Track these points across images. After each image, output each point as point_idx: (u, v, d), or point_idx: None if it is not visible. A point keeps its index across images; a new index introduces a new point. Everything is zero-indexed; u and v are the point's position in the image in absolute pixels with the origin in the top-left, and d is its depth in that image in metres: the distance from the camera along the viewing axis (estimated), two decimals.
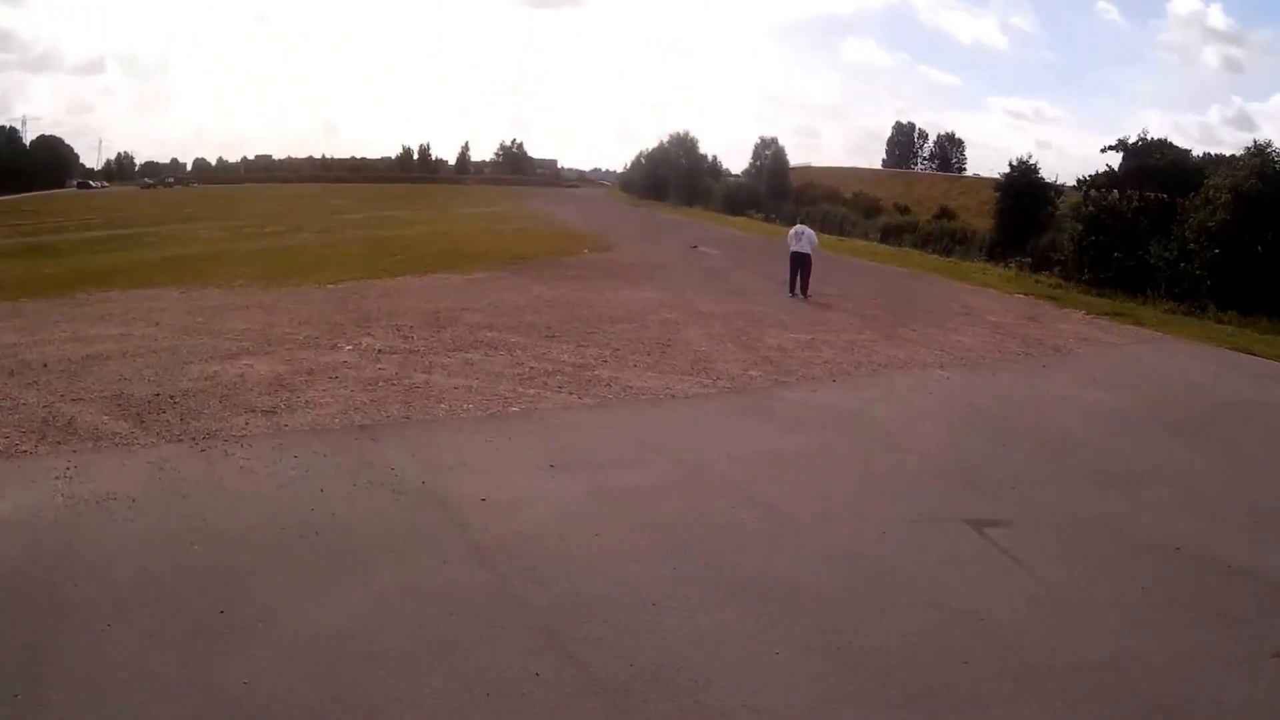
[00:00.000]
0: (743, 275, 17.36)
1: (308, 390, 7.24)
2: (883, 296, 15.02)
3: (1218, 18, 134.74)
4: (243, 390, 7.19)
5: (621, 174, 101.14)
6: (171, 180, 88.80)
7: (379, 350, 8.77)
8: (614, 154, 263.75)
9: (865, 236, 38.33)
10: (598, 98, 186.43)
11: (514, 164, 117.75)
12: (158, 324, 9.93)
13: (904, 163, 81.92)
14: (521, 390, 7.53)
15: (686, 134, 65.22)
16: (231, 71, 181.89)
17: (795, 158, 66.86)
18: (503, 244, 22.14)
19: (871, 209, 44.89)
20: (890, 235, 37.75)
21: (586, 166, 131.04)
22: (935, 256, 27.64)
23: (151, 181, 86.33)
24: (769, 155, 63.68)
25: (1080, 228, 20.33)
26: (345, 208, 42.49)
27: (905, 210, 42.91)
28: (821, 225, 45.52)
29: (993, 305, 15.28)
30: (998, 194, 28.65)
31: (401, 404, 6.98)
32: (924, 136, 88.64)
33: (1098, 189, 20.21)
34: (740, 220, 43.30)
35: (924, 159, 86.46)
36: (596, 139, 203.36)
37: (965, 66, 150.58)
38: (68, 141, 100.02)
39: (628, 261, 18.90)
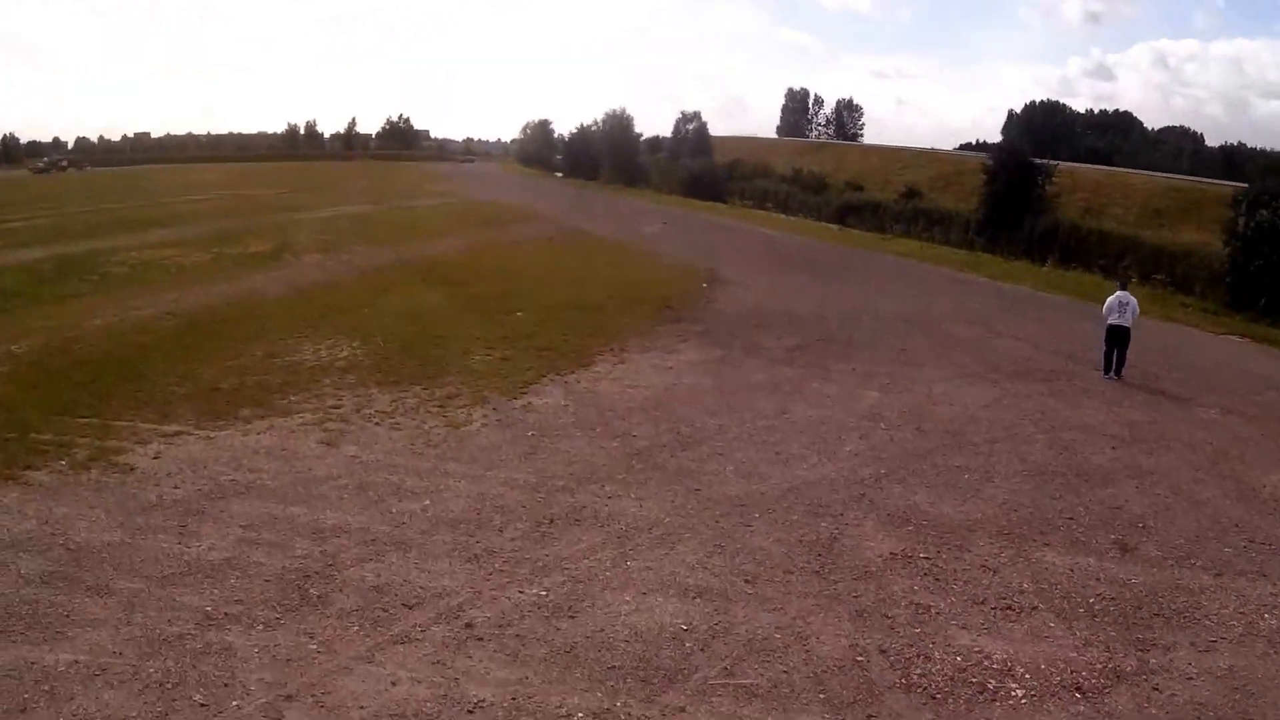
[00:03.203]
0: (971, 331, 14.61)
1: None
2: (1155, 357, 12.98)
3: None
4: None
5: (514, 144, 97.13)
6: (65, 163, 78.92)
7: None
8: (484, 124, 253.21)
9: (818, 217, 36.32)
10: (464, 66, 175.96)
11: (401, 138, 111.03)
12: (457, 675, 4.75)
13: (799, 131, 78.69)
14: None
15: (622, 112, 61.18)
16: (101, 47, 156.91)
17: (668, 128, 64.04)
18: (592, 275, 19.38)
19: (819, 186, 41.51)
20: (849, 215, 35.37)
21: (458, 136, 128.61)
22: (1022, 263, 24.42)
23: (44, 164, 75.33)
24: (690, 130, 60.36)
25: (1238, 245, 18.37)
26: (286, 201, 36.82)
27: (858, 187, 40.46)
28: (760, 204, 42.91)
29: (1261, 363, 13.81)
30: (985, 176, 27.99)
31: None
32: (820, 103, 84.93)
33: (1263, 205, 17.95)
34: (728, 209, 40.78)
35: (820, 126, 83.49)
36: (464, 108, 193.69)
37: (826, 27, 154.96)
38: None
39: (794, 311, 15.57)
